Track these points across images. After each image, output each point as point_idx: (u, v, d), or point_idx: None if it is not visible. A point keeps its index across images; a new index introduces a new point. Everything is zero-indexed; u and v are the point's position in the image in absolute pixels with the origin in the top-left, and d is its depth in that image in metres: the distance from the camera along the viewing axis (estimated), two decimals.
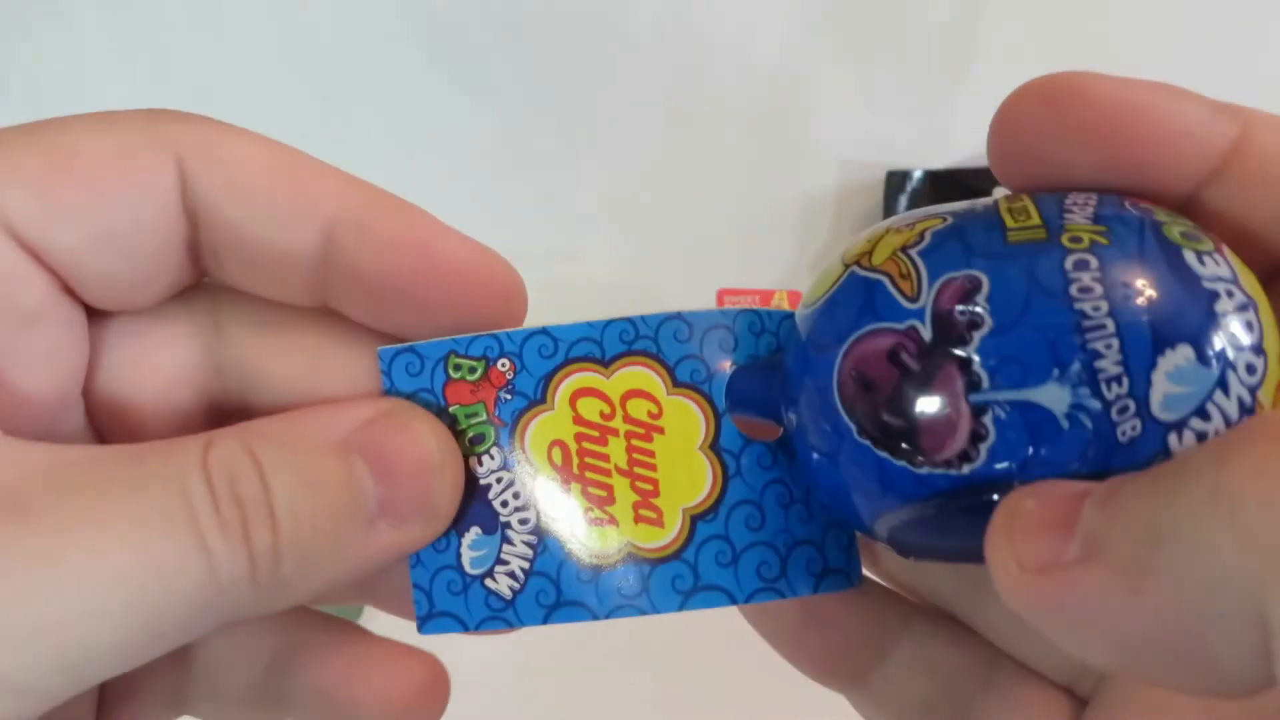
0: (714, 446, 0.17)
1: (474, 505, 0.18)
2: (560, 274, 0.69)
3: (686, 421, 0.17)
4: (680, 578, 0.17)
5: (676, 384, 0.17)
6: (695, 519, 0.17)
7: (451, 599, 0.18)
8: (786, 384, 0.16)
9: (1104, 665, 0.13)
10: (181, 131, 0.16)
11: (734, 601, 0.17)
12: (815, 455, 0.16)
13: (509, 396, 0.18)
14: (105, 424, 0.18)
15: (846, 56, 0.66)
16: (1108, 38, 0.65)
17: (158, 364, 0.18)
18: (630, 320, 0.17)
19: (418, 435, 0.17)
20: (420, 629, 0.18)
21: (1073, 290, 0.14)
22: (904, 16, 0.65)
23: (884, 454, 0.15)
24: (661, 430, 0.17)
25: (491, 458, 0.18)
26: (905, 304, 0.15)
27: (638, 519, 0.17)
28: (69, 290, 0.17)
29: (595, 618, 0.17)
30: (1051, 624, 0.13)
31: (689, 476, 0.17)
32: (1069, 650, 0.13)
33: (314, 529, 0.16)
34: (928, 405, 0.14)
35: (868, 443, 0.15)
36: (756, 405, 0.17)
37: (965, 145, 0.67)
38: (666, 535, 0.17)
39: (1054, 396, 0.13)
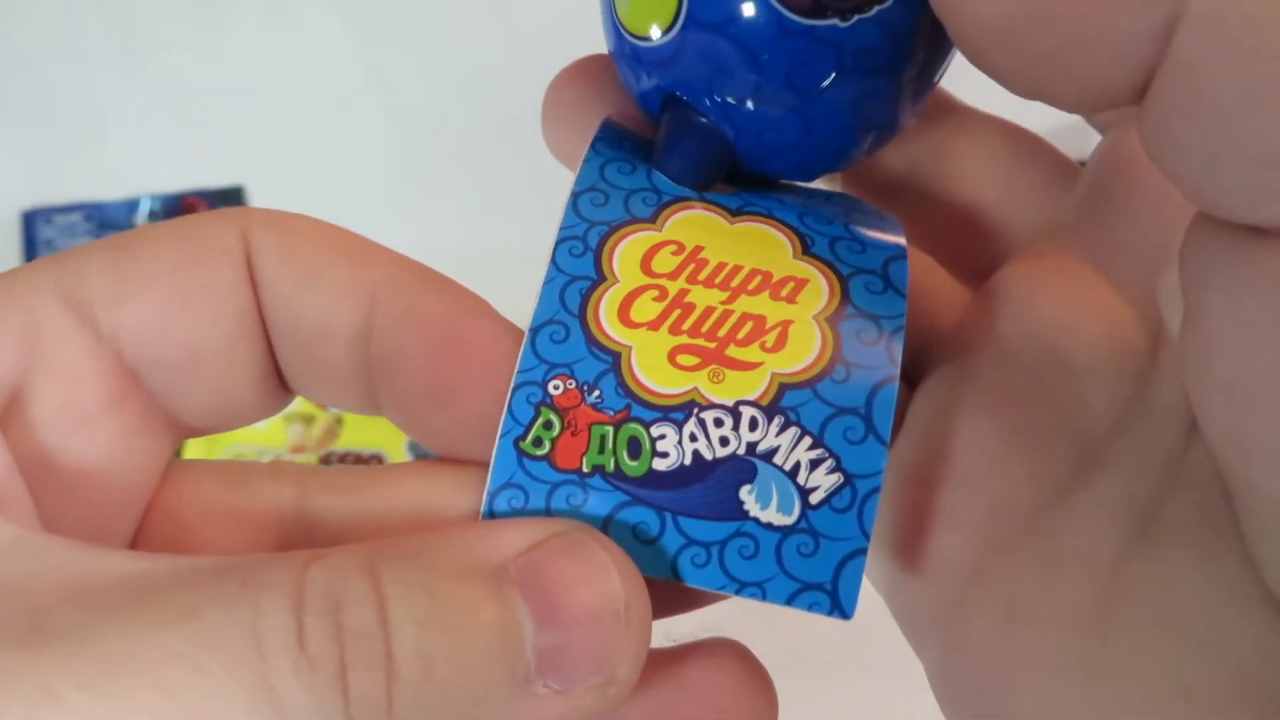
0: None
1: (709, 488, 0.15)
2: None
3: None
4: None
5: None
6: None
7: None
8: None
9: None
10: (246, 212, 0.15)
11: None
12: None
13: (596, 394, 0.15)
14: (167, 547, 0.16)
15: None
16: None
17: (241, 498, 0.16)
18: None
19: (599, 566, 0.13)
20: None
21: None
22: None
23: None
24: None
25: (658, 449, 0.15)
26: None
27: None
28: (141, 394, 0.15)
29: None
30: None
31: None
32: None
33: (447, 682, 0.12)
34: None
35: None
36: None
37: None
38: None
39: None
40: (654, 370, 0.15)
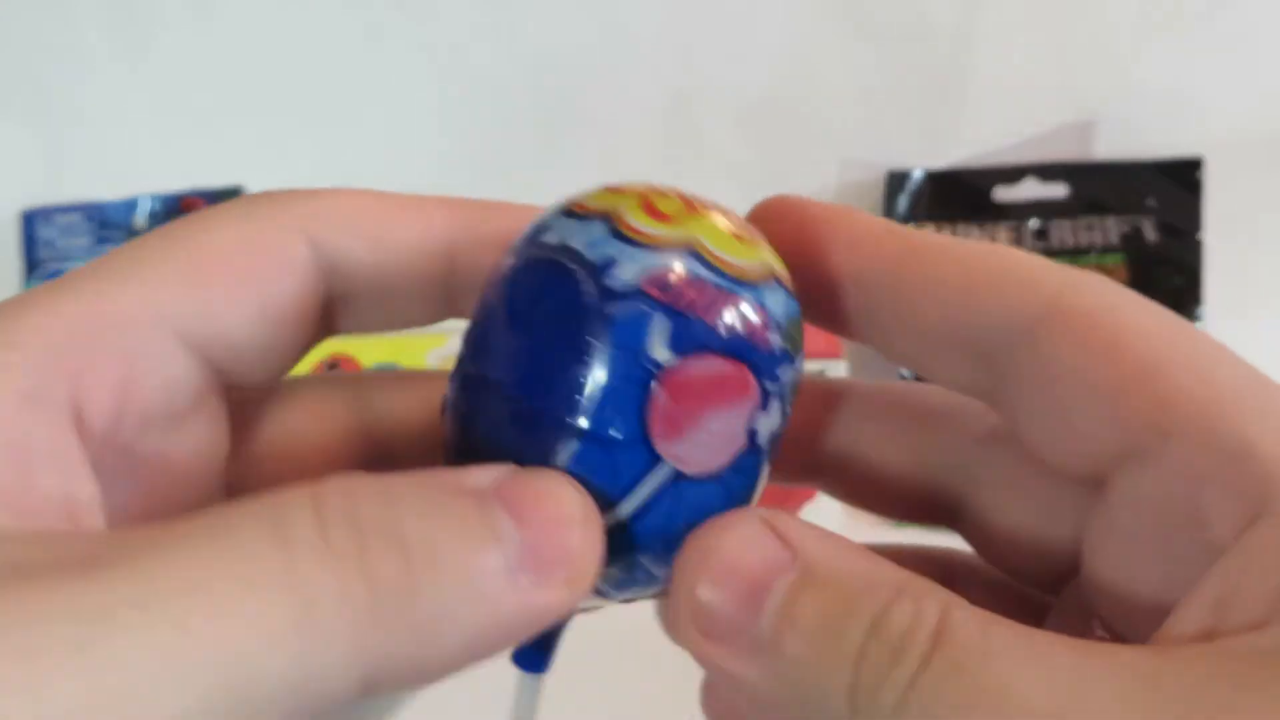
0: None
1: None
2: None
3: None
4: None
5: None
6: None
7: None
8: None
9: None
10: (294, 202, 0.17)
11: None
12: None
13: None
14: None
15: (847, 56, 0.66)
16: (1108, 37, 0.65)
17: (311, 432, 0.19)
18: None
19: (557, 489, 0.15)
20: None
21: None
22: (904, 16, 0.65)
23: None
24: None
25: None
26: None
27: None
28: (217, 384, 0.17)
29: None
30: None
31: None
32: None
33: (452, 565, 0.14)
34: None
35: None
36: None
37: (965, 145, 0.67)
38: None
39: None
40: None
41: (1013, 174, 0.66)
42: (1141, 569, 0.15)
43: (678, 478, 0.16)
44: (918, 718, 0.13)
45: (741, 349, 0.16)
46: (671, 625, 0.16)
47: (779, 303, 0.17)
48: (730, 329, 0.16)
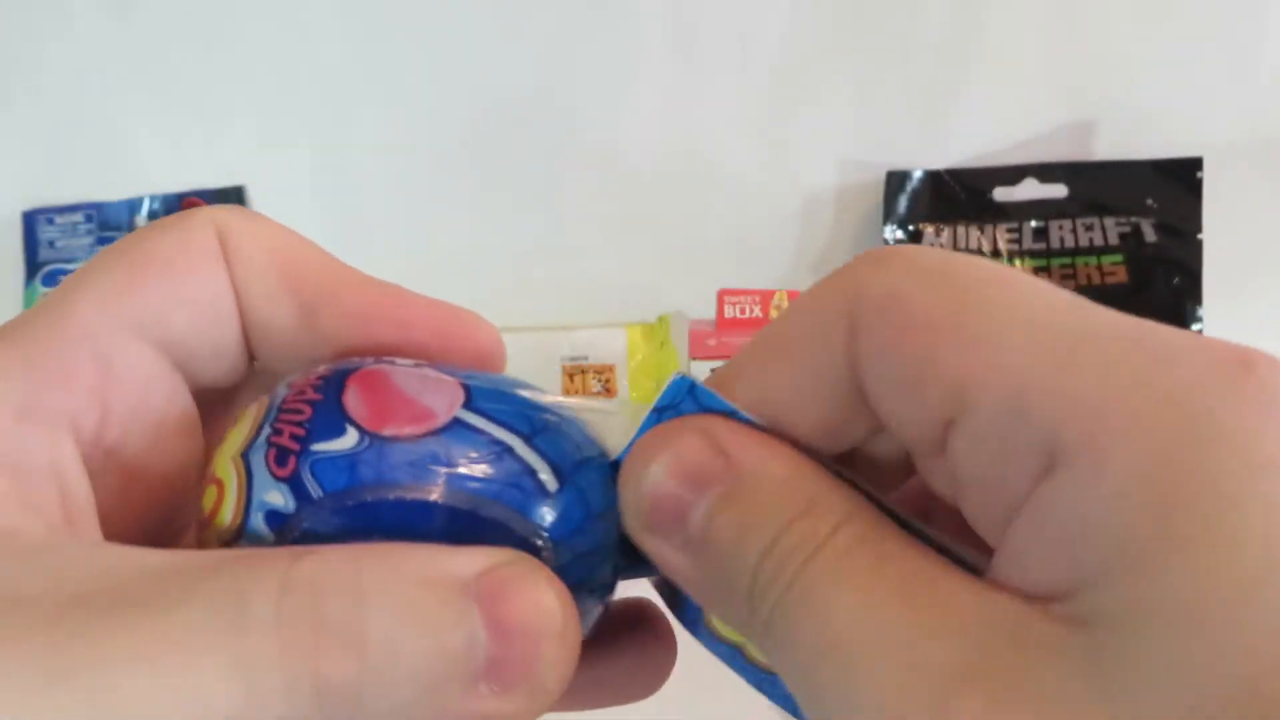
0: None
1: None
2: (560, 274, 0.69)
3: None
4: None
5: None
6: None
7: None
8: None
9: None
10: (218, 217, 0.18)
11: None
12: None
13: None
14: None
15: (846, 56, 0.66)
16: (1108, 37, 0.65)
17: None
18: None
19: (542, 593, 0.15)
20: None
21: None
22: (904, 16, 0.65)
23: None
24: None
25: None
26: None
27: None
28: (186, 383, 0.18)
29: None
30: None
31: None
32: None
33: (411, 672, 0.14)
34: None
35: None
36: None
37: (965, 145, 0.67)
38: None
39: None
40: None
41: (1013, 174, 0.66)
42: (985, 528, 0.15)
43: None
44: (778, 632, 0.15)
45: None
46: (625, 522, 0.17)
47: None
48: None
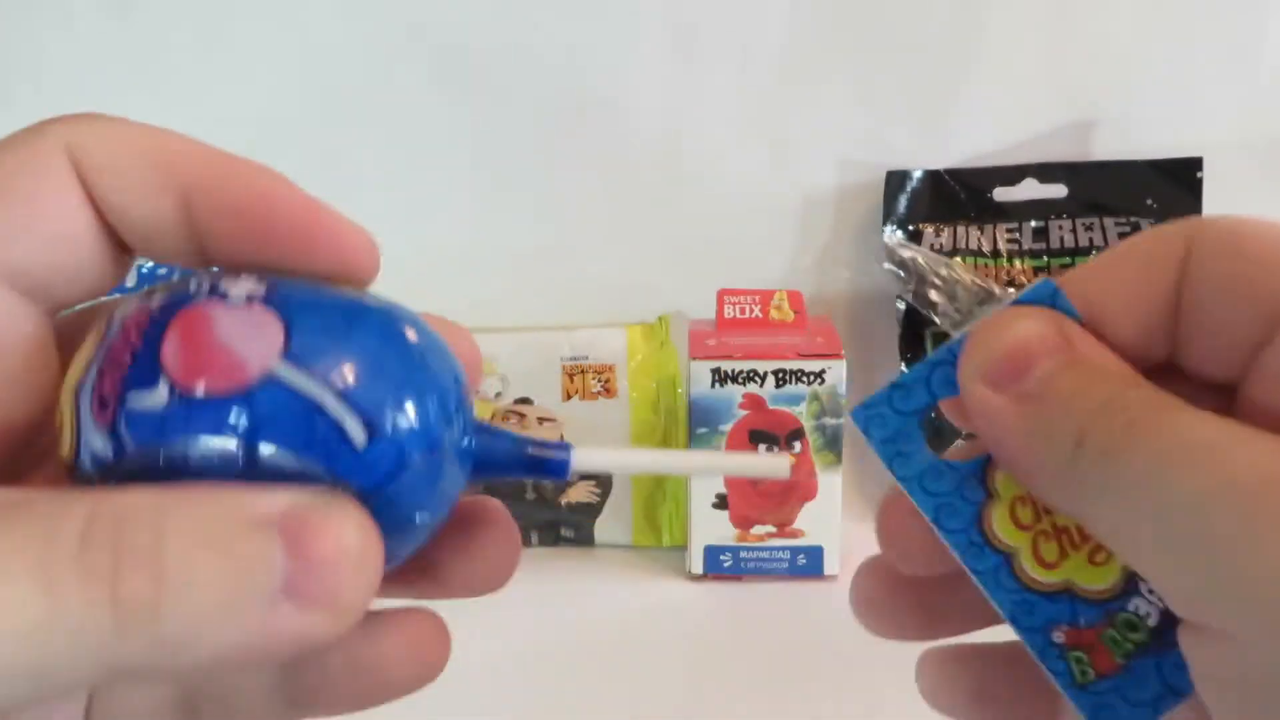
0: None
1: None
2: (560, 274, 0.70)
3: None
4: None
5: None
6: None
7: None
8: None
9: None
10: (69, 129, 0.18)
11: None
12: None
13: None
14: None
15: (846, 56, 0.67)
16: (1108, 37, 0.66)
17: None
18: None
19: (340, 524, 0.16)
20: None
21: None
22: (904, 16, 0.66)
23: None
24: None
25: None
26: None
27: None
28: (41, 307, 0.19)
29: None
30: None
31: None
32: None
33: (207, 590, 0.15)
34: None
35: None
36: None
37: (965, 145, 0.67)
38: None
39: None
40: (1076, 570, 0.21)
41: (1013, 174, 0.66)
42: None
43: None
44: (1102, 475, 0.18)
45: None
46: (962, 376, 0.20)
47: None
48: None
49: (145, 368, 0.17)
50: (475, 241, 0.70)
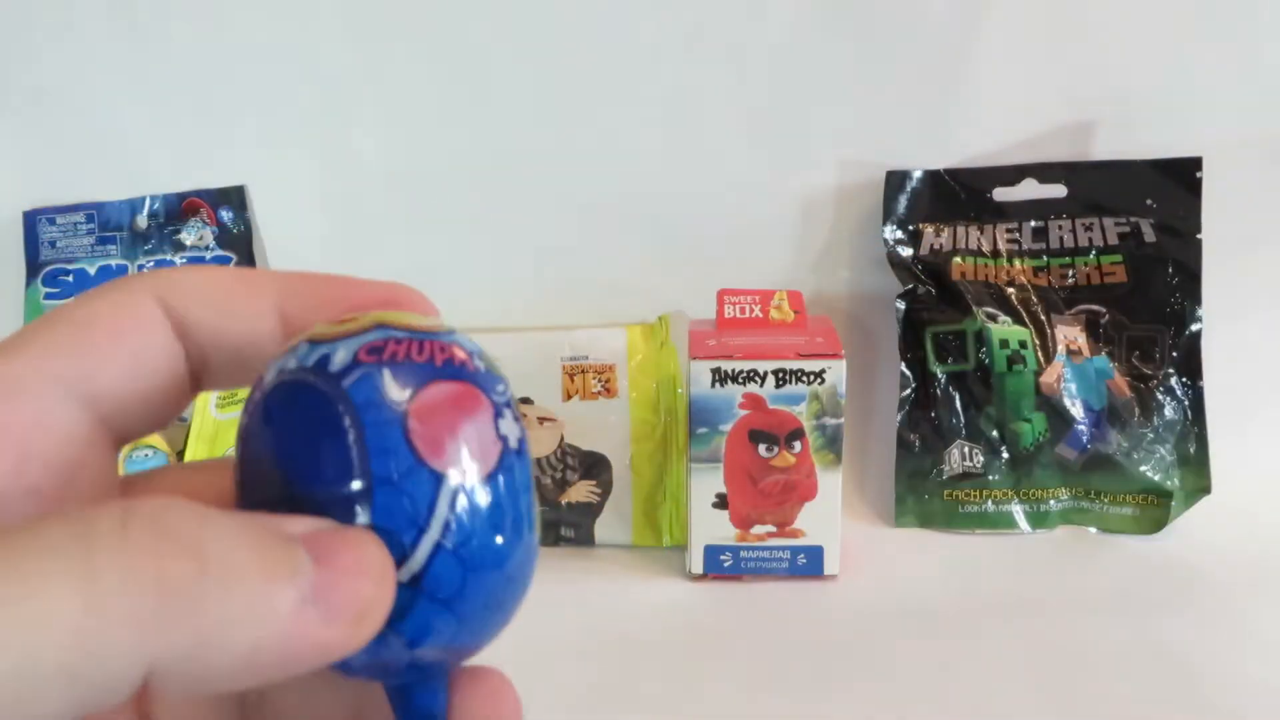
0: None
1: None
2: (560, 274, 0.70)
3: None
4: None
5: None
6: None
7: None
8: None
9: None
10: (153, 278, 0.20)
11: None
12: None
13: None
14: None
15: (846, 56, 0.67)
16: (1108, 37, 0.66)
17: (193, 480, 0.22)
18: None
19: (364, 546, 0.17)
20: None
21: None
22: (904, 16, 0.66)
23: None
24: None
25: None
26: None
27: None
28: (107, 435, 0.20)
29: None
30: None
31: None
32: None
33: (244, 579, 0.15)
34: None
35: None
36: None
37: (965, 145, 0.67)
38: None
39: None
40: None
41: (1012, 174, 0.66)
42: None
43: (460, 488, 0.18)
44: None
45: (458, 373, 0.19)
46: None
47: (467, 341, 0.20)
48: (442, 360, 0.19)
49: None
50: (475, 241, 0.70)
